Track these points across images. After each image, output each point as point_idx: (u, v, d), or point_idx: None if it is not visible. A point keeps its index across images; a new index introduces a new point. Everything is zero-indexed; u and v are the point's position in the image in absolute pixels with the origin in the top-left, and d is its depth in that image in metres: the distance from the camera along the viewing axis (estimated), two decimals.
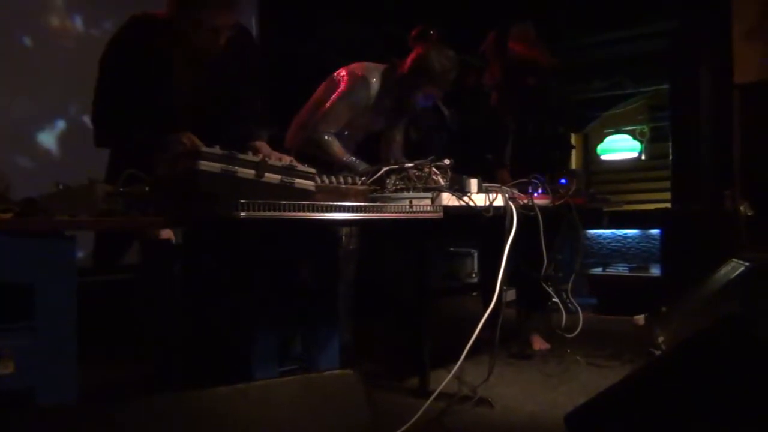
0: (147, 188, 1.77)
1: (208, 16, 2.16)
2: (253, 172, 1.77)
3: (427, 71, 2.90)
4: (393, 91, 2.98)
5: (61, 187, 1.74)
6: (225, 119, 2.37)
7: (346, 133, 2.99)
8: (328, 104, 2.93)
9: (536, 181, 2.87)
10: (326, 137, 2.90)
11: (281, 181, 1.83)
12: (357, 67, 2.99)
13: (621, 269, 5.71)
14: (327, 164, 2.72)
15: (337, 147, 2.90)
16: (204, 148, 1.72)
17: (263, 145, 2.35)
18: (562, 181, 3.14)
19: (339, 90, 2.94)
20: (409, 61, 2.94)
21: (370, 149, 3.23)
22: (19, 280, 1.46)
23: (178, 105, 2.31)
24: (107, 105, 2.25)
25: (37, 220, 1.54)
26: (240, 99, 2.45)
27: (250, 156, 1.80)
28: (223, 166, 1.71)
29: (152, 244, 2.19)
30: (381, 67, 3.00)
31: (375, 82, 2.94)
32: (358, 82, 2.92)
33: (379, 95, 2.95)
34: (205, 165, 1.67)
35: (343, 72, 3.00)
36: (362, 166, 2.77)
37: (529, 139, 3.64)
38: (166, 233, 2.16)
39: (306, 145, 2.93)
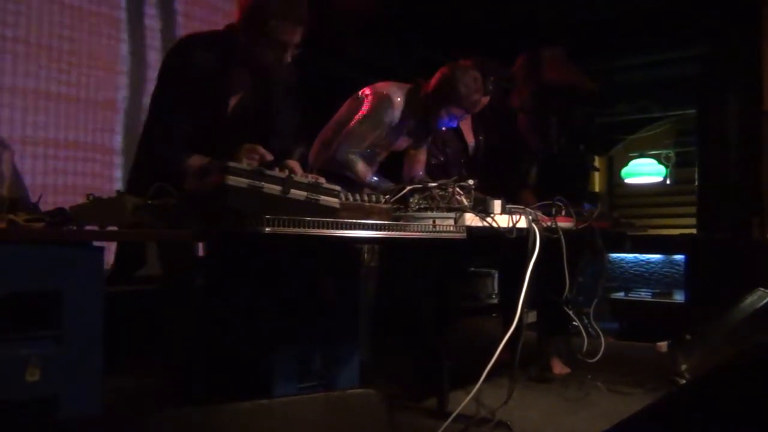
0: (174, 202, 1.79)
1: (276, 28, 2.15)
2: (279, 188, 1.79)
3: (452, 92, 2.90)
4: (417, 111, 2.98)
5: (90, 198, 1.77)
6: (268, 134, 2.35)
7: (369, 151, 2.99)
8: (352, 123, 2.93)
9: (560, 204, 2.86)
10: (350, 156, 2.90)
11: (306, 197, 1.84)
12: (381, 86, 2.99)
13: (644, 294, 5.64)
14: (350, 183, 2.73)
15: (361, 167, 2.91)
16: (232, 164, 1.74)
17: (296, 164, 2.36)
18: (586, 205, 3.12)
19: (363, 109, 2.94)
20: (433, 81, 2.95)
21: (394, 168, 3.24)
22: (48, 289, 1.48)
23: (233, 122, 2.30)
24: (165, 124, 2.20)
25: (67, 229, 1.58)
26: (281, 113, 2.45)
27: (276, 172, 1.81)
28: (250, 181, 1.73)
29: (174, 256, 2.20)
30: (405, 86, 3.00)
31: (399, 101, 2.94)
32: (382, 101, 2.92)
33: (404, 115, 2.96)
34: (232, 180, 1.69)
35: (367, 91, 3.00)
36: (385, 185, 2.78)
37: (554, 162, 3.63)
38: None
39: (330, 163, 2.94)
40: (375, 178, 2.90)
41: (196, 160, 2.11)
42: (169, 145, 2.16)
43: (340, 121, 3.04)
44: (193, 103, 2.18)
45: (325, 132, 3.11)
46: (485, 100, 3.13)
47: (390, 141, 3.05)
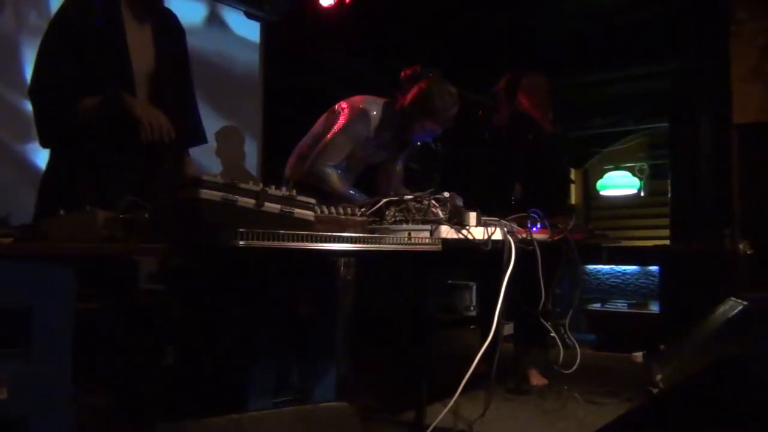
0: (147, 215, 1.78)
1: None
2: (253, 201, 1.78)
3: (428, 106, 2.91)
4: (393, 125, 2.99)
5: (61, 213, 1.75)
6: (173, 108, 2.37)
7: (345, 164, 3.00)
8: (328, 136, 2.93)
9: (535, 216, 2.88)
10: (326, 169, 2.90)
11: (281, 210, 1.83)
12: (357, 99, 3.00)
13: (620, 305, 5.69)
14: (326, 196, 2.73)
15: (336, 179, 2.90)
16: (205, 177, 1.73)
17: (190, 164, 2.38)
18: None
19: (339, 122, 2.94)
20: (410, 95, 2.96)
21: (368, 180, 3.24)
22: (16, 306, 1.46)
23: (136, 71, 2.33)
24: (49, 80, 2.23)
25: (37, 245, 1.55)
26: (183, 92, 2.52)
27: (250, 185, 1.81)
28: (224, 194, 1.71)
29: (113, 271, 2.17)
30: (381, 100, 3.01)
31: (375, 114, 2.95)
32: (358, 114, 2.93)
33: (379, 128, 2.97)
34: (205, 193, 1.68)
35: (343, 104, 3.01)
36: (361, 199, 2.78)
37: (535, 177, 3.66)
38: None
39: (305, 176, 2.94)
40: (351, 192, 2.89)
41: (88, 102, 2.15)
42: (57, 86, 2.19)
43: (317, 134, 3.04)
44: (84, 52, 2.21)
45: (301, 145, 3.12)
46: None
47: (366, 154, 3.05)
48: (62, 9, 2.30)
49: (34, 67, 2.28)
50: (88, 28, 2.23)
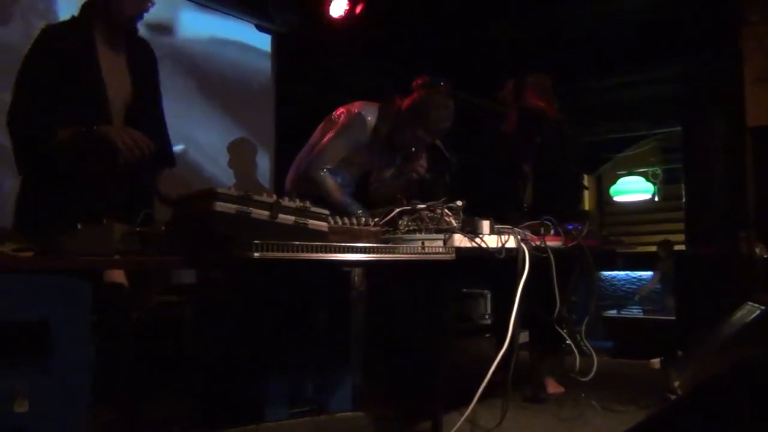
0: (163, 228, 1.80)
1: None
2: (267, 213, 1.79)
3: (422, 115, 2.90)
4: (388, 128, 2.97)
5: (79, 227, 1.77)
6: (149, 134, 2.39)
7: (343, 171, 2.98)
8: (324, 140, 2.94)
9: (548, 223, 2.87)
10: (320, 173, 2.88)
11: (295, 222, 1.84)
12: (354, 105, 3.00)
13: (636, 311, 5.65)
14: (320, 201, 2.71)
15: (331, 185, 2.89)
16: (220, 189, 1.75)
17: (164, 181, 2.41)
18: (570, 226, 3.12)
19: (335, 127, 2.94)
20: (408, 100, 2.96)
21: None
22: (35, 318, 1.48)
23: (112, 100, 2.37)
24: (26, 111, 2.26)
25: (55, 259, 1.57)
26: (158, 118, 2.56)
27: (264, 197, 1.82)
28: (238, 207, 1.73)
29: (107, 288, 2.18)
30: (377, 104, 3.00)
31: (371, 120, 2.94)
32: (354, 119, 2.93)
33: (375, 133, 2.95)
34: (220, 206, 1.70)
35: (339, 111, 3.01)
36: (356, 206, 2.78)
37: (546, 183, 3.65)
38: (119, 276, 2.15)
39: (301, 181, 2.94)
40: (348, 200, 2.88)
41: (65, 133, 2.18)
42: (34, 117, 2.23)
43: (314, 143, 3.04)
44: (59, 82, 2.25)
45: (300, 156, 3.11)
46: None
47: (363, 159, 3.04)
48: (38, 40, 2.34)
49: (11, 98, 2.31)
50: (63, 58, 2.28)
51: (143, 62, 2.52)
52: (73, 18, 2.42)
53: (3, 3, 3.46)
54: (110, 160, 2.25)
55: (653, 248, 6.76)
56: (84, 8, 2.41)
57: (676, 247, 6.14)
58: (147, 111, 2.49)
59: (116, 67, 2.40)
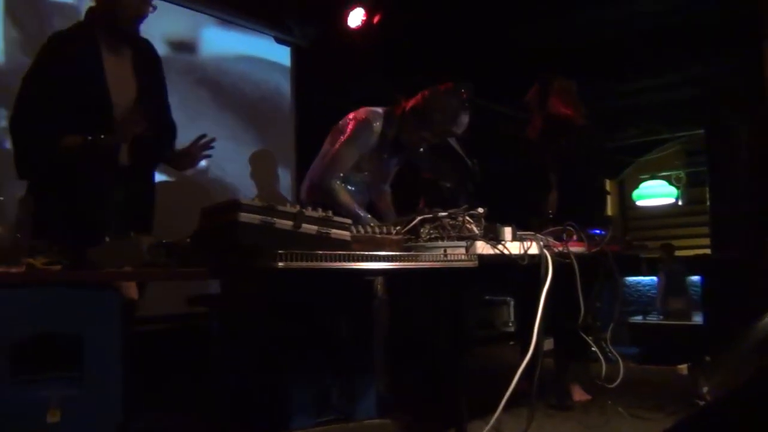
0: (188, 240, 1.82)
1: None
2: (290, 223, 1.81)
3: (427, 115, 2.90)
4: (393, 131, 2.98)
5: (107, 239, 1.80)
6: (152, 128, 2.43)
7: (355, 179, 2.99)
8: (334, 149, 2.95)
9: (571, 228, 2.85)
10: (335, 183, 2.90)
11: (318, 231, 1.86)
12: (361, 112, 3.01)
13: (661, 317, 5.58)
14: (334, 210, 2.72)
15: (344, 194, 2.89)
16: (244, 200, 1.77)
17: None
18: (595, 231, 3.10)
19: (344, 135, 2.96)
20: (412, 101, 2.96)
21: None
22: (67, 331, 1.51)
23: (116, 104, 2.39)
24: (29, 116, 2.29)
25: (84, 272, 1.60)
26: (165, 120, 2.59)
27: (288, 207, 1.84)
28: (262, 217, 1.75)
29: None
30: (382, 109, 3.01)
31: (378, 124, 2.95)
32: (362, 125, 2.94)
33: (382, 136, 2.97)
34: (244, 217, 1.72)
35: (348, 117, 3.03)
36: (367, 220, 2.77)
37: (571, 189, 3.63)
38: (131, 288, 2.15)
39: (313, 191, 2.95)
40: (360, 212, 2.87)
41: (69, 140, 2.21)
42: (37, 122, 2.25)
43: (324, 153, 3.05)
44: (64, 88, 2.27)
45: (312, 167, 3.12)
46: (465, 120, 3.10)
47: (374, 165, 3.06)
48: (44, 47, 2.37)
49: (15, 102, 2.34)
50: (68, 64, 2.31)
51: (147, 63, 2.55)
52: (77, 24, 2.47)
53: None
54: (113, 166, 2.30)
55: (679, 253, 6.70)
56: (88, 14, 2.47)
57: (701, 251, 6.07)
58: (152, 114, 2.49)
59: (120, 71, 2.44)
